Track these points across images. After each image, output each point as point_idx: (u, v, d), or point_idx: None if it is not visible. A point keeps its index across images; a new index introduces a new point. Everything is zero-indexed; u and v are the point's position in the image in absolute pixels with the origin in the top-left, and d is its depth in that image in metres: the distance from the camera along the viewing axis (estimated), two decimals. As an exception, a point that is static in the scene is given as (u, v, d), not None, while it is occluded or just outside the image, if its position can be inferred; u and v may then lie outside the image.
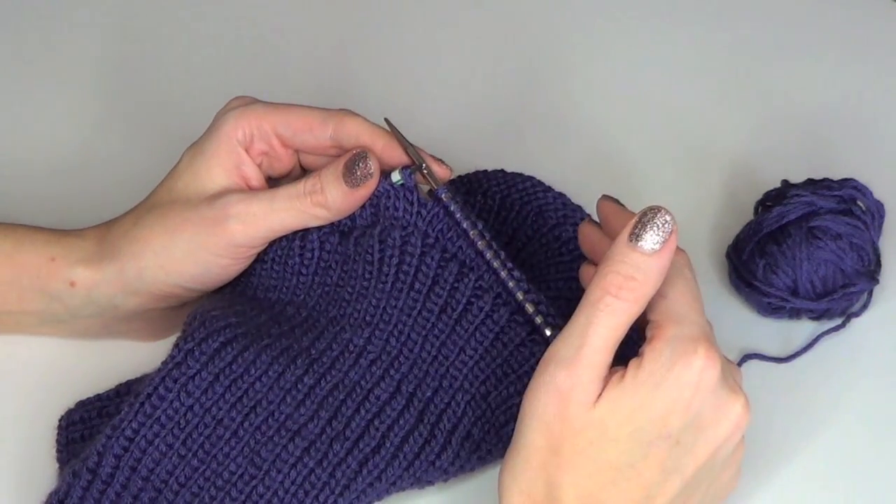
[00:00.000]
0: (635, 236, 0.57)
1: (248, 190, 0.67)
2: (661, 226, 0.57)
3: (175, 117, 0.86)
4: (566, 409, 0.56)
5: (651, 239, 0.57)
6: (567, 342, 0.57)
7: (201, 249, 0.66)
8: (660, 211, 0.57)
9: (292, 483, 0.63)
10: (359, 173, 0.65)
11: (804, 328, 0.75)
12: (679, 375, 0.56)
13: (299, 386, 0.65)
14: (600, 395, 0.57)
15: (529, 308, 0.65)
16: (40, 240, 0.68)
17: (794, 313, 0.74)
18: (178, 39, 0.92)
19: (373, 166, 0.65)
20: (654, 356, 0.57)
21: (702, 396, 0.57)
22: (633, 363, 0.57)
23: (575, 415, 0.56)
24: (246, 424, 0.64)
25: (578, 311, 0.57)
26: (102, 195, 0.78)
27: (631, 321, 0.57)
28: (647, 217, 0.57)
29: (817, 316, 0.75)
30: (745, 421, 0.58)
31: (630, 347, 0.58)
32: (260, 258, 0.68)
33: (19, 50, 0.92)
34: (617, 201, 0.64)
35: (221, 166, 0.67)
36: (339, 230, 0.67)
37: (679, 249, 0.60)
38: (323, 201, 0.65)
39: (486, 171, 0.76)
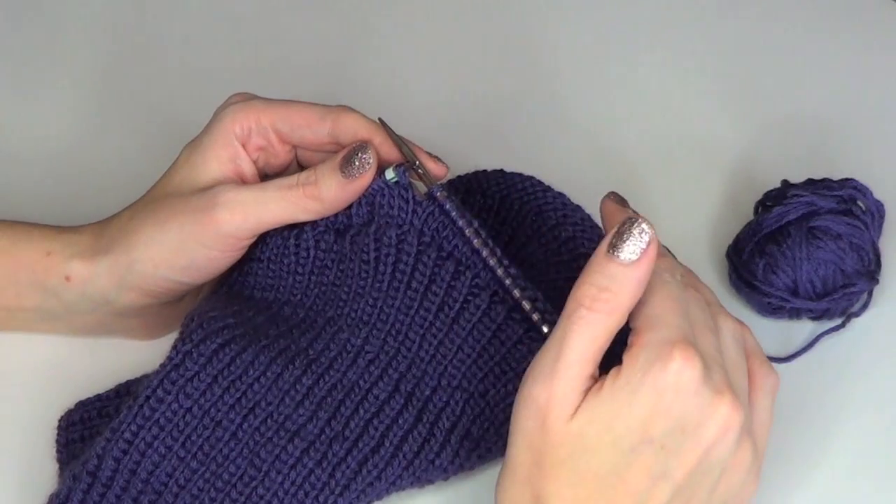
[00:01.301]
0: (613, 247, 0.57)
1: (241, 182, 0.67)
2: (638, 235, 0.57)
3: (175, 115, 0.86)
4: (545, 423, 0.56)
5: (628, 249, 0.57)
6: (545, 356, 0.57)
7: (189, 239, 0.65)
8: (637, 220, 0.57)
9: (292, 484, 0.63)
10: (357, 164, 0.65)
11: (804, 328, 0.75)
12: (655, 379, 0.56)
13: (298, 386, 0.65)
14: (579, 406, 0.56)
15: (526, 305, 0.65)
16: (37, 235, 0.68)
17: (794, 313, 0.74)
18: (177, 37, 0.93)
19: (371, 158, 0.65)
20: (630, 362, 0.56)
21: (683, 399, 0.56)
22: (612, 372, 0.57)
23: (553, 428, 0.56)
24: (245, 425, 0.64)
25: (557, 325, 0.57)
26: (101, 193, 0.78)
27: (610, 332, 0.57)
28: (624, 227, 0.57)
29: (817, 316, 0.74)
30: (734, 421, 0.57)
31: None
32: (256, 257, 0.68)
33: (18, 47, 0.92)
34: (622, 200, 0.63)
35: (217, 159, 0.67)
36: (335, 228, 0.67)
37: (660, 255, 0.59)
38: (316, 193, 0.65)
39: (485, 171, 0.76)
